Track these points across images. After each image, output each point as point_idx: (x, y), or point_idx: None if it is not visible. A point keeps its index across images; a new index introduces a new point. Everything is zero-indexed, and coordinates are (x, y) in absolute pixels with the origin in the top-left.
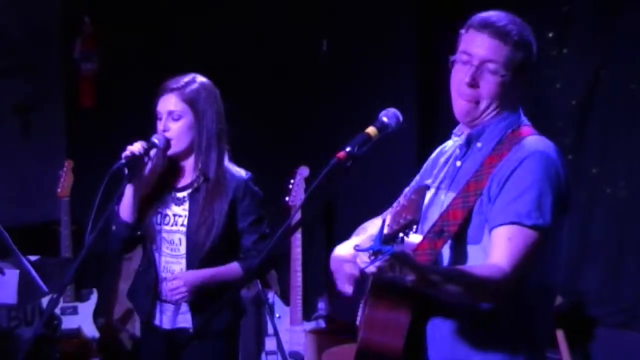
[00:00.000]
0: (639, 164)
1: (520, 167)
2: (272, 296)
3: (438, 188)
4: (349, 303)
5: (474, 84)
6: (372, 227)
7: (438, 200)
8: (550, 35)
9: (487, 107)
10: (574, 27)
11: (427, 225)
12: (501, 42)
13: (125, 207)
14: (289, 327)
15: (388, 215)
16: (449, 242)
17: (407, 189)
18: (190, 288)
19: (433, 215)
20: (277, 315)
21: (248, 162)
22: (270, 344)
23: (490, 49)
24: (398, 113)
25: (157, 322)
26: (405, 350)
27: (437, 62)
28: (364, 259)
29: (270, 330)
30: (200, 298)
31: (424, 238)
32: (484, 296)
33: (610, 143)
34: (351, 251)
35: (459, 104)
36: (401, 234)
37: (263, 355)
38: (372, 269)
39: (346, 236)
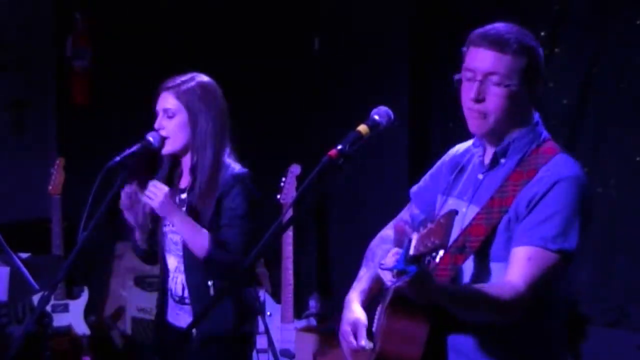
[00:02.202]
0: (630, 163)
1: (552, 190)
2: (263, 294)
3: (458, 199)
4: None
5: (480, 98)
6: (379, 252)
7: (459, 213)
8: (542, 34)
9: (497, 120)
10: (565, 26)
11: None
12: (500, 52)
13: (137, 236)
14: (280, 325)
15: (414, 235)
16: (471, 257)
17: (414, 187)
18: (160, 201)
19: (454, 228)
20: (268, 313)
21: (240, 159)
22: (261, 341)
23: (491, 62)
24: (390, 111)
25: (169, 319)
26: None
27: (431, 60)
28: (387, 277)
29: (261, 328)
30: (201, 300)
31: (445, 253)
32: (498, 315)
33: (601, 142)
34: (361, 317)
35: (470, 120)
36: (428, 258)
37: (254, 353)
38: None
39: (338, 235)
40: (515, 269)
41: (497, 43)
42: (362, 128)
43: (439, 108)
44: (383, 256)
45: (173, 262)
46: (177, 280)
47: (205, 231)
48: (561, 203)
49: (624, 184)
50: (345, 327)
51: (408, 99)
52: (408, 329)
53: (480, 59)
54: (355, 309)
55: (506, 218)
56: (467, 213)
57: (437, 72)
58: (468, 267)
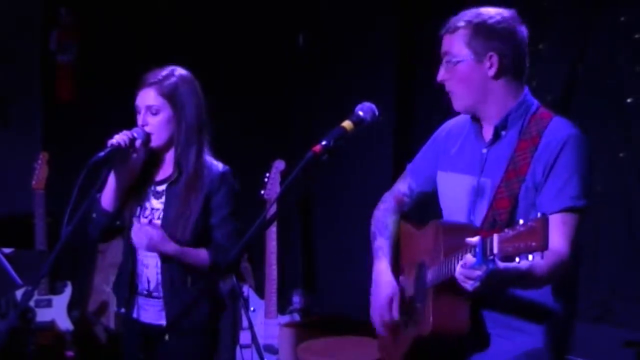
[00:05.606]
0: (614, 159)
1: (563, 152)
2: (247, 289)
3: (466, 174)
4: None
5: (444, 78)
6: (389, 222)
7: (470, 187)
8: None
9: (462, 96)
10: (550, 23)
11: (459, 211)
12: (450, 34)
13: (108, 196)
14: (264, 321)
15: (495, 237)
16: None
17: (411, 163)
18: (156, 241)
19: (464, 202)
20: (252, 308)
21: (224, 154)
22: (244, 337)
23: (445, 45)
24: (374, 107)
25: (134, 315)
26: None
27: (415, 57)
28: (477, 273)
29: (245, 323)
30: (175, 295)
31: (480, 229)
32: (552, 281)
33: None
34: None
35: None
36: (517, 259)
37: (238, 349)
38: (475, 285)
39: (323, 230)
40: (555, 235)
41: (449, 28)
42: (347, 124)
43: (424, 104)
44: (393, 228)
45: (143, 255)
46: (144, 273)
47: (199, 250)
48: (574, 163)
49: (608, 180)
50: (384, 301)
51: (393, 95)
52: (455, 303)
53: (442, 45)
54: (391, 281)
55: (524, 187)
56: (479, 187)
57: (422, 68)
58: None
